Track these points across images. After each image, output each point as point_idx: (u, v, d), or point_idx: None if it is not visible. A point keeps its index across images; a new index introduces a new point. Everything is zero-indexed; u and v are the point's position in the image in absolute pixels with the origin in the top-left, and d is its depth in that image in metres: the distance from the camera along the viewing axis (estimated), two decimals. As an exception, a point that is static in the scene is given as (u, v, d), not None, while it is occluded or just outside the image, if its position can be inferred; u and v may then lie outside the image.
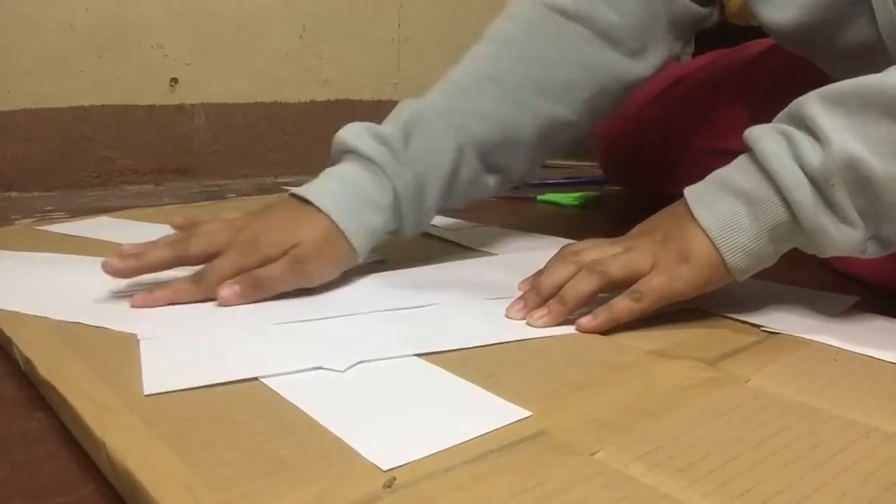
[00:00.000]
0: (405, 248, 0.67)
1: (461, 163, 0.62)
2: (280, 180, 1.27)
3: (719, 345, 0.46)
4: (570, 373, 0.42)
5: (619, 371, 0.42)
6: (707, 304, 0.53)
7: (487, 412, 0.36)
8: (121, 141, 1.18)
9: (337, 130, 0.60)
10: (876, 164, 0.43)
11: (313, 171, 0.60)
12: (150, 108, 1.20)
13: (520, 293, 0.53)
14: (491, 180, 0.66)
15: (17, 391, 0.43)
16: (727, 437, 0.34)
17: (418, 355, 0.43)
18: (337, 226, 0.55)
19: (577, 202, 1.07)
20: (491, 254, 0.70)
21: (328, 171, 0.59)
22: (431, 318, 0.51)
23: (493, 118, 0.63)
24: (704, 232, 0.47)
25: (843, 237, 0.45)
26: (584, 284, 0.49)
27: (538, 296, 0.50)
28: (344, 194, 0.56)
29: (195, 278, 0.52)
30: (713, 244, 0.47)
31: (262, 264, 0.53)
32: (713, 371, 0.42)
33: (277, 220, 0.55)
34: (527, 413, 0.36)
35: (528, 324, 0.49)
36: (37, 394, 0.42)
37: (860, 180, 0.44)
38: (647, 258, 0.48)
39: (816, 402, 0.38)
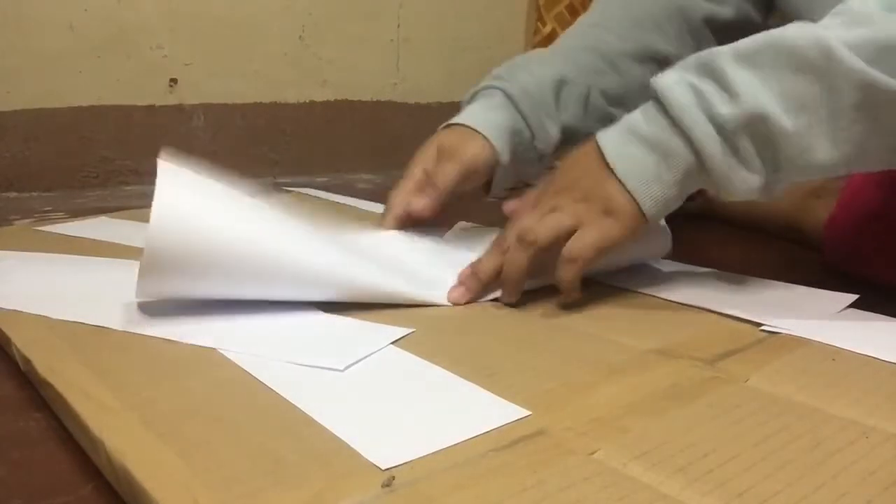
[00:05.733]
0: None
1: (566, 81, 0.68)
2: (279, 180, 1.27)
3: (718, 344, 0.46)
4: (569, 372, 0.42)
5: (617, 370, 0.42)
6: (706, 303, 0.53)
7: (486, 411, 0.36)
8: (120, 141, 1.18)
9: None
10: (783, 118, 0.46)
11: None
12: (150, 108, 1.20)
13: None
14: (616, 111, 0.70)
15: (17, 391, 0.43)
16: (726, 437, 0.34)
17: (416, 355, 0.43)
18: (471, 127, 0.64)
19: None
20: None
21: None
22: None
23: (596, 50, 0.70)
24: (622, 184, 0.50)
25: (745, 184, 0.49)
26: (520, 258, 0.51)
27: (479, 281, 0.54)
28: (468, 109, 0.67)
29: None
30: (631, 196, 0.50)
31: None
32: (712, 370, 0.42)
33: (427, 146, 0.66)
34: (526, 412, 0.36)
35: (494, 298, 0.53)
36: (36, 394, 0.42)
37: (766, 133, 0.47)
38: (572, 217, 0.51)
39: (815, 402, 0.38)
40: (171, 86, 1.22)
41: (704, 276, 0.59)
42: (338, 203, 0.95)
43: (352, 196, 1.00)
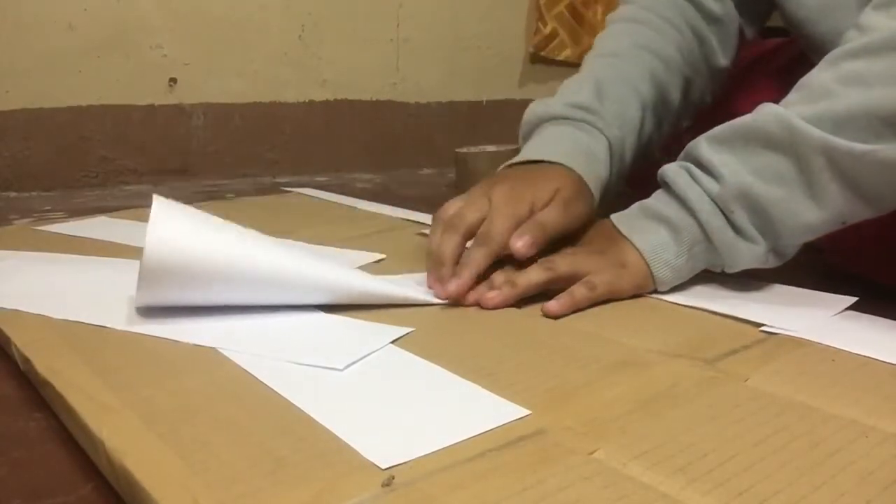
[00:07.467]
0: (406, 247, 0.68)
1: (644, 121, 0.67)
2: (278, 180, 1.27)
3: (718, 344, 0.46)
4: (569, 372, 0.42)
5: (617, 370, 0.42)
6: (707, 303, 0.53)
7: (486, 411, 0.36)
8: (119, 141, 1.18)
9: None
10: (763, 189, 0.51)
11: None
12: (149, 108, 1.20)
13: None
14: (655, 147, 0.71)
15: (17, 391, 0.43)
16: (726, 437, 0.34)
17: (416, 354, 0.43)
18: (581, 177, 0.59)
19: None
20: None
21: (538, 137, 0.63)
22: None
23: (653, 80, 0.68)
24: (637, 249, 0.55)
25: (749, 252, 0.53)
26: (535, 275, 0.53)
27: (489, 282, 0.53)
28: (574, 151, 0.61)
29: (480, 241, 0.53)
30: (644, 259, 0.54)
31: (533, 211, 0.55)
32: (712, 370, 0.42)
33: (526, 178, 0.58)
34: (525, 412, 0.36)
35: (480, 304, 0.52)
36: (36, 394, 0.42)
37: (754, 204, 0.51)
38: (589, 263, 0.54)
39: (815, 402, 0.38)
40: (170, 85, 1.22)
41: (704, 277, 0.59)
42: (337, 203, 0.95)
43: (351, 196, 1.00)
